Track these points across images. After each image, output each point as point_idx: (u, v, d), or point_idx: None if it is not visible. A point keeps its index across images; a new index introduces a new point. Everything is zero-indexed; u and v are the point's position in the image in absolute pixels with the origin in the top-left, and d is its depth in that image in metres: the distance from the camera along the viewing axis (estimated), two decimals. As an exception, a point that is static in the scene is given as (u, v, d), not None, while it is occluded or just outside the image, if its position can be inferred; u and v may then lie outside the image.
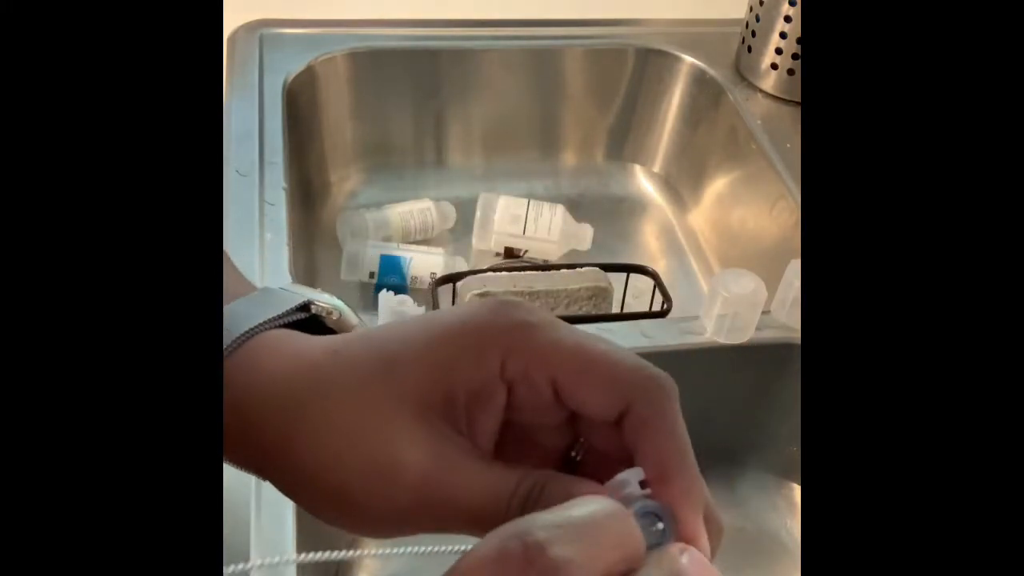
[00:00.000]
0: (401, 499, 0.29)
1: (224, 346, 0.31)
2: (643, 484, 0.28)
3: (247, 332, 0.32)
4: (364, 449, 0.29)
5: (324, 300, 0.34)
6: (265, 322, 0.32)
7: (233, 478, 0.57)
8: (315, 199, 1.01)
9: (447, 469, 0.29)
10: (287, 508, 0.56)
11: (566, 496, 0.27)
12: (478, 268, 0.88)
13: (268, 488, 0.56)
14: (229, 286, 0.35)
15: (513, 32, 1.03)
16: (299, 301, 0.34)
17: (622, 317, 0.80)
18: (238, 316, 0.32)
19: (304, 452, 0.30)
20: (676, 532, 0.28)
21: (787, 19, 0.94)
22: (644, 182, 1.10)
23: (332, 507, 0.30)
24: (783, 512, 0.80)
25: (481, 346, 0.29)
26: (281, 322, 0.33)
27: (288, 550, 0.54)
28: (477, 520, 0.28)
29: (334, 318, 0.34)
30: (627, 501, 0.27)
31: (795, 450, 0.79)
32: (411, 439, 0.29)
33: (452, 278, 0.82)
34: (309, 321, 0.34)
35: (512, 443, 0.31)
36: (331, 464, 0.29)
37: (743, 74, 1.00)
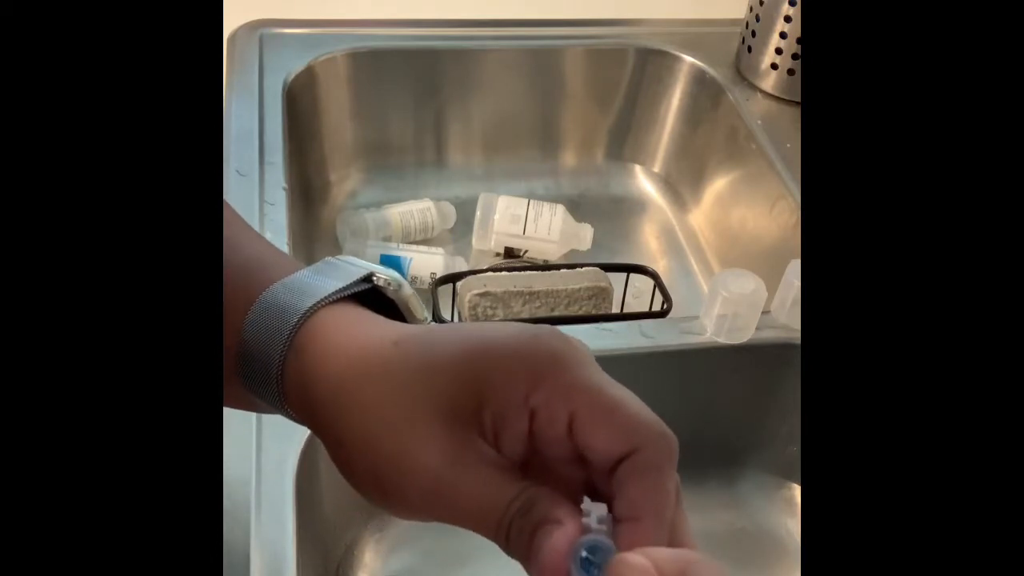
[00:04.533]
0: (412, 493, 0.32)
1: (299, 313, 0.34)
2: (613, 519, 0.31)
3: (320, 301, 0.34)
4: (394, 440, 0.32)
5: (383, 272, 0.37)
6: (333, 293, 0.35)
7: (233, 478, 0.57)
8: (315, 199, 1.01)
9: (457, 475, 0.31)
10: (287, 508, 0.56)
11: (547, 513, 0.30)
12: (478, 268, 0.88)
13: (268, 488, 0.57)
14: (269, 256, 0.38)
15: (513, 32, 1.03)
16: (361, 273, 0.36)
17: (622, 317, 0.80)
18: (306, 286, 0.35)
19: (349, 427, 0.33)
20: None
21: (787, 19, 0.94)
22: (644, 182, 1.10)
23: (363, 481, 0.33)
24: (783, 512, 0.80)
25: (512, 370, 0.31)
26: (346, 293, 0.35)
27: (288, 550, 0.54)
28: (476, 522, 0.31)
29: (392, 289, 0.37)
30: (585, 529, 0.30)
31: (795, 450, 0.79)
32: (434, 444, 0.31)
33: (452, 278, 0.82)
34: (370, 292, 0.36)
35: (538, 466, 0.33)
36: (367, 445, 0.32)
37: (743, 74, 1.00)
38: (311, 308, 0.34)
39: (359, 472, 0.33)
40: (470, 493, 0.31)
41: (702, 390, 0.75)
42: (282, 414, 0.36)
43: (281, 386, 0.34)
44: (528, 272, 0.83)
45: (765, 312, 0.72)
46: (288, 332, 0.34)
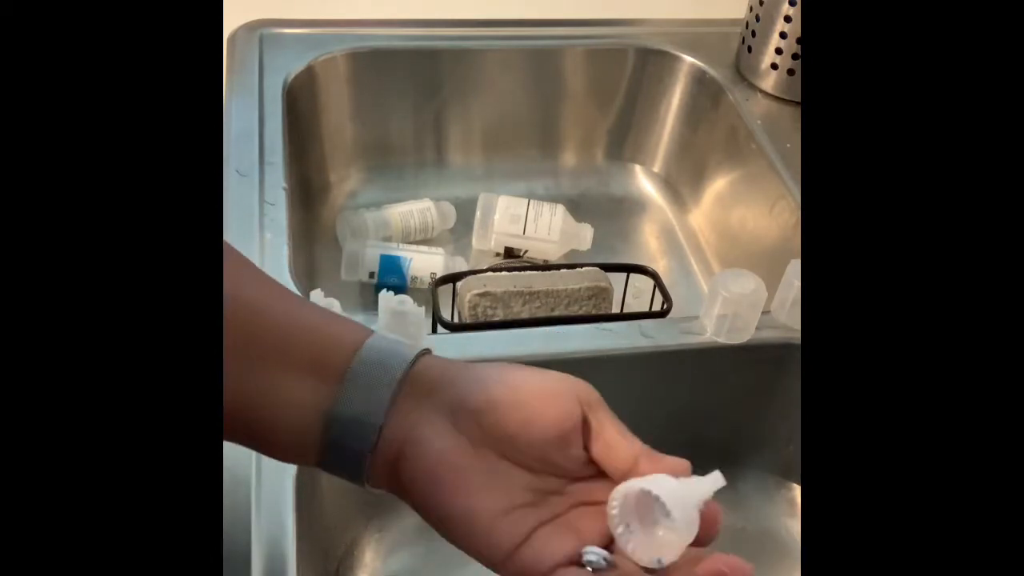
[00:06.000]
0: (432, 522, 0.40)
1: (409, 360, 0.40)
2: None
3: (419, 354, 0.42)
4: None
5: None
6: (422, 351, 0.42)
7: (233, 477, 0.57)
8: (315, 199, 1.01)
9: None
10: (287, 508, 0.56)
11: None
12: (478, 268, 0.88)
13: (268, 488, 0.57)
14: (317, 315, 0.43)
15: (513, 32, 1.03)
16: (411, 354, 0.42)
17: (622, 317, 0.80)
18: (403, 344, 0.42)
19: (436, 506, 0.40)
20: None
21: (787, 19, 0.94)
22: (644, 182, 1.10)
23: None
24: (783, 512, 0.80)
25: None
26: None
27: (288, 550, 0.54)
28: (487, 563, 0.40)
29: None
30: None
31: (795, 450, 0.79)
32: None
33: (452, 278, 0.82)
34: None
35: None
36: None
37: (743, 74, 1.00)
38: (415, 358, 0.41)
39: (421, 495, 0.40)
40: (479, 546, 0.39)
41: (702, 390, 0.75)
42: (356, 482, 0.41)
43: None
44: (528, 272, 0.83)
45: (765, 312, 0.72)
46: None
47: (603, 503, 0.40)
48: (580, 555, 0.39)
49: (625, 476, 0.40)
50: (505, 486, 0.40)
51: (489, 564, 0.40)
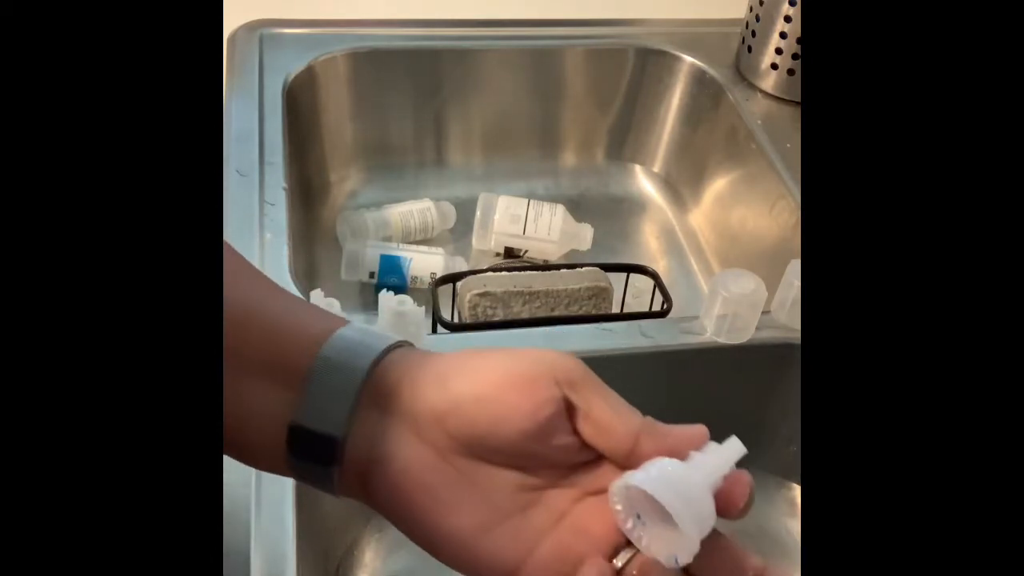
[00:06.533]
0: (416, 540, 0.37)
1: (376, 353, 0.37)
2: None
3: (390, 346, 0.37)
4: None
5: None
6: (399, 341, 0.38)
7: (233, 478, 0.57)
8: (315, 199, 1.00)
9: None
10: (287, 508, 0.56)
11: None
12: (478, 268, 0.88)
13: (268, 488, 0.57)
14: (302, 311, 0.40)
15: (513, 32, 1.03)
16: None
17: (622, 317, 0.80)
18: (372, 336, 0.38)
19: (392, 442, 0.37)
20: None
21: (787, 19, 0.94)
22: (644, 182, 1.10)
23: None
24: (783, 512, 0.80)
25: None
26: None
27: (288, 550, 0.54)
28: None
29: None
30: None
31: (795, 450, 0.79)
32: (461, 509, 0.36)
33: (452, 278, 0.82)
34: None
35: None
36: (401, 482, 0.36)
37: (743, 74, 1.00)
38: (384, 351, 0.37)
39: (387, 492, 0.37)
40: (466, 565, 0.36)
41: (702, 390, 0.75)
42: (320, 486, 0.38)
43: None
44: (528, 272, 0.83)
45: (765, 312, 0.72)
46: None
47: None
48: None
49: (626, 459, 0.35)
50: (486, 496, 0.36)
51: None
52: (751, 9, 0.98)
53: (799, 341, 0.73)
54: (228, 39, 0.98)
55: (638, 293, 0.86)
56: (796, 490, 0.81)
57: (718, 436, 0.36)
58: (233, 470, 0.57)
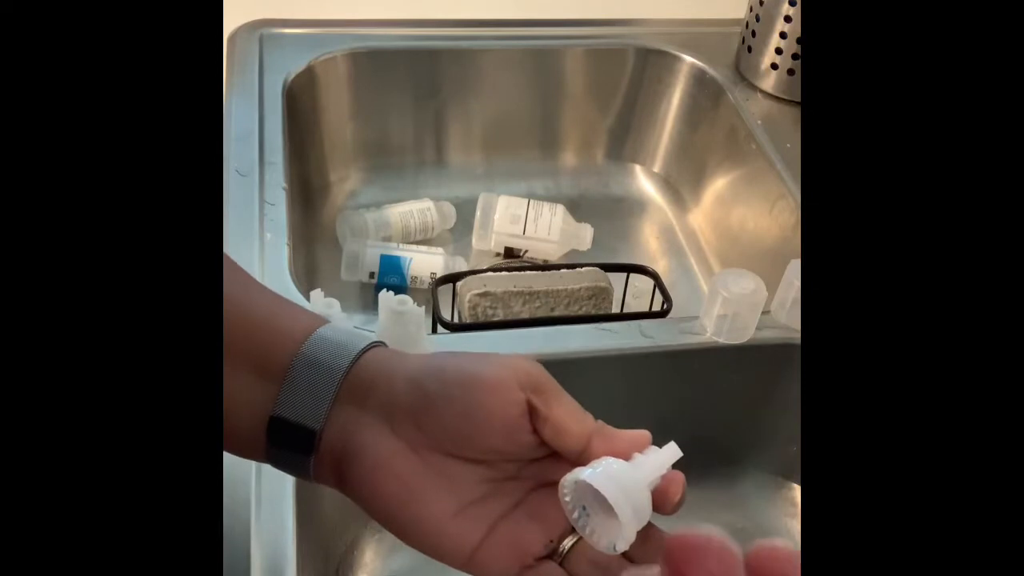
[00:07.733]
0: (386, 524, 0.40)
1: (357, 350, 0.40)
2: None
3: (369, 344, 0.41)
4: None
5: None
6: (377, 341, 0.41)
7: (233, 477, 0.57)
8: (315, 199, 1.01)
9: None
10: (287, 508, 0.56)
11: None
12: (478, 268, 0.88)
13: (268, 488, 0.57)
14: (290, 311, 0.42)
15: (513, 32, 1.03)
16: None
17: (622, 317, 0.80)
18: (350, 335, 0.41)
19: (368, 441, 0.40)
20: None
21: (787, 19, 0.94)
22: (644, 182, 1.10)
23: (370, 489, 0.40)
24: (783, 512, 0.80)
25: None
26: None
27: (288, 550, 0.54)
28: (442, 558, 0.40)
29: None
30: None
31: (795, 450, 0.79)
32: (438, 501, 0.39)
33: (452, 278, 0.82)
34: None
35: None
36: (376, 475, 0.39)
37: (743, 74, 1.00)
38: (363, 349, 0.40)
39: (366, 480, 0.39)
40: (437, 543, 0.39)
41: (702, 390, 0.75)
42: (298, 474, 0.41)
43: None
44: (528, 272, 0.83)
45: (765, 312, 0.72)
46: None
47: None
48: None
49: (578, 457, 0.39)
50: (452, 486, 0.39)
51: (457, 567, 0.39)
52: (751, 9, 0.98)
53: (799, 341, 0.73)
54: (228, 39, 0.98)
55: (638, 293, 0.86)
56: (796, 490, 0.81)
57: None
58: (233, 469, 0.57)
